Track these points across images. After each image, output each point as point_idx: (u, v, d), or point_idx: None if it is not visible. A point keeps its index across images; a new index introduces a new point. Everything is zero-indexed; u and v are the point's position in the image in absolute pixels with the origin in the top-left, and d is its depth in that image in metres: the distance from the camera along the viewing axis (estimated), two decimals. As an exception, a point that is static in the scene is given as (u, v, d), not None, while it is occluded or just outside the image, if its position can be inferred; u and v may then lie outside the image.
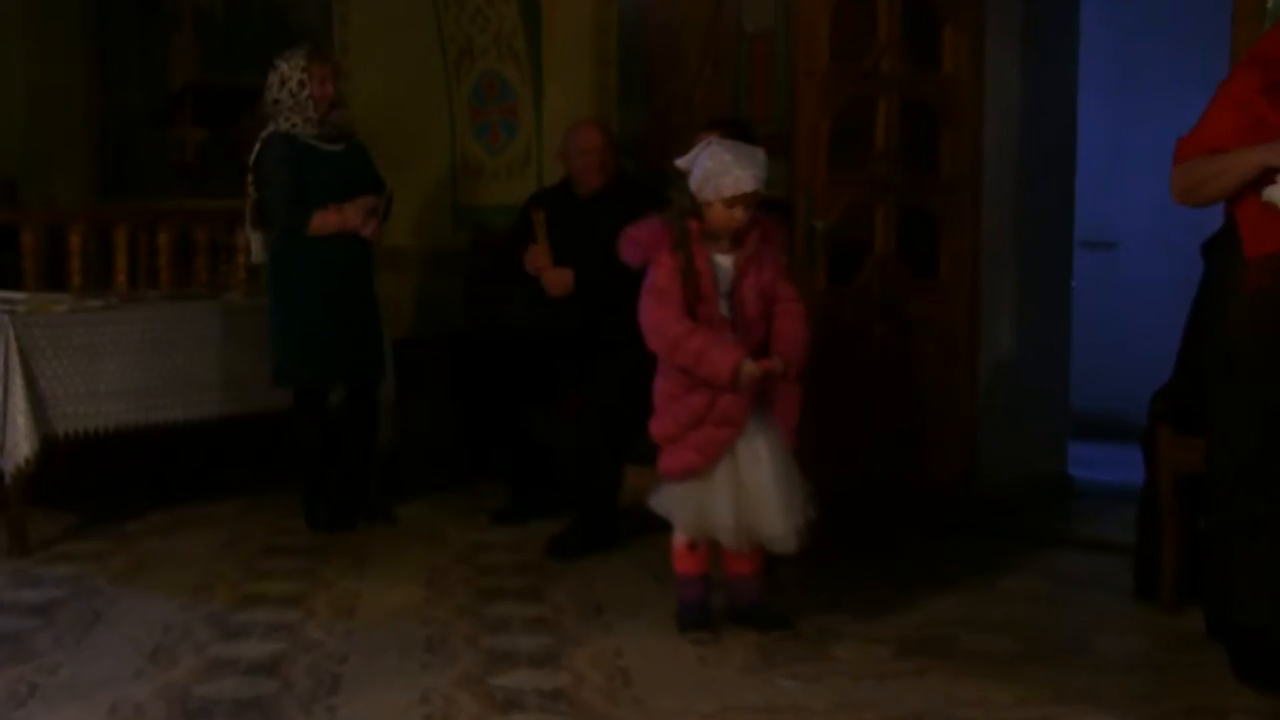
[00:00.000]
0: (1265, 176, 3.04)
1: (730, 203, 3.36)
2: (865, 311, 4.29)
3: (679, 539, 3.52)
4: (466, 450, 5.40)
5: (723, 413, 3.36)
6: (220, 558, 4.32)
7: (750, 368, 3.34)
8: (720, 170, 3.35)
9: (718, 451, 3.37)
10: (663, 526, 3.60)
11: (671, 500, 3.45)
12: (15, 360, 4.28)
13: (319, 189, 4.55)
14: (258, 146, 4.58)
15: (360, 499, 4.75)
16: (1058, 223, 5.26)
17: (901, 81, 4.31)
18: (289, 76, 4.52)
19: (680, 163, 3.44)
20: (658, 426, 3.45)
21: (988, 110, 4.67)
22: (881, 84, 4.27)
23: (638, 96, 5.28)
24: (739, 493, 3.37)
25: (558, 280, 4.59)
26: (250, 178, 4.60)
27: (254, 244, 4.67)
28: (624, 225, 4.58)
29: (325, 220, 4.54)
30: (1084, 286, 5.64)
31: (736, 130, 4.20)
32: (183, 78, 7.07)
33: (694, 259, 3.36)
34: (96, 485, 5.07)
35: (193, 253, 5.45)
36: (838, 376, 4.12)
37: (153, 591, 3.93)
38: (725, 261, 3.42)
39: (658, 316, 3.36)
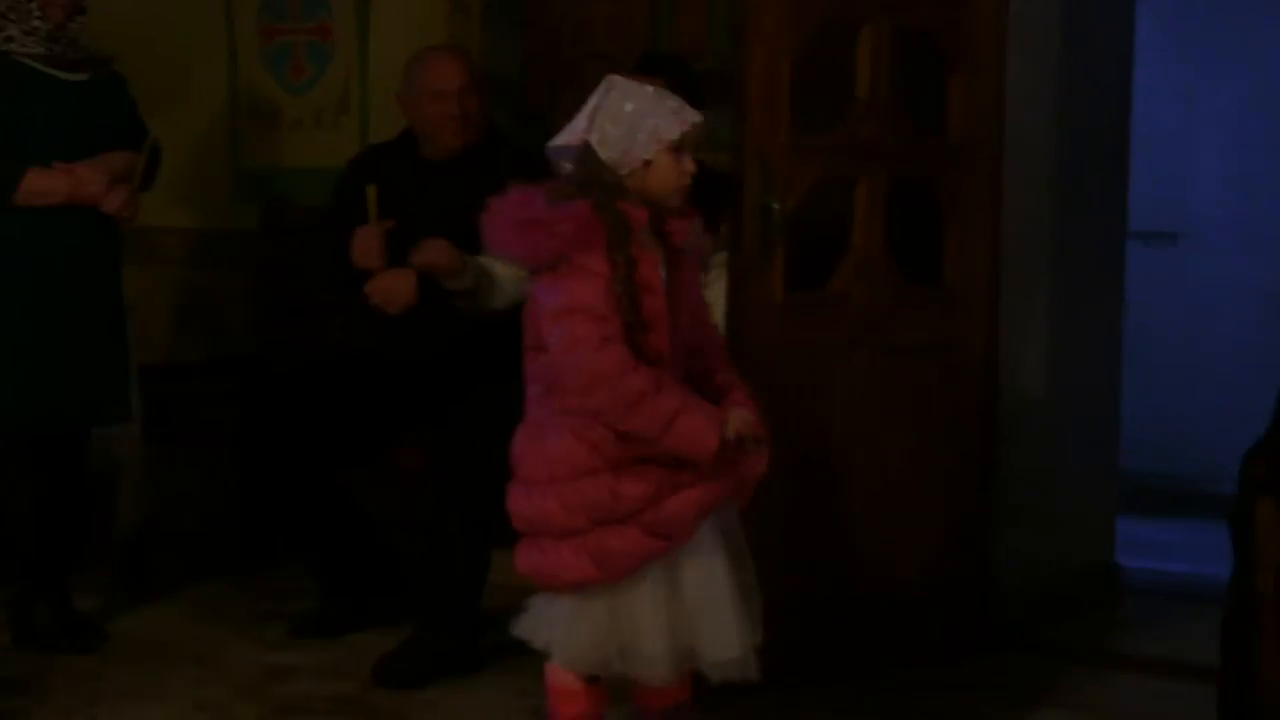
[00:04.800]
0: None
1: (678, 146, 3.36)
2: (840, 332, 4.31)
3: (561, 674, 3.42)
4: (255, 528, 5.34)
5: (668, 519, 3.25)
6: None
7: (739, 422, 3.28)
8: (648, 108, 3.35)
9: (637, 567, 3.27)
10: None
11: (552, 621, 3.35)
12: None
13: (39, 137, 4.50)
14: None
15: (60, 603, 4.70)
16: (1109, 208, 5.36)
17: (896, 1, 4.36)
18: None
19: (563, 139, 3.37)
20: (537, 506, 3.33)
21: (1015, 49, 4.72)
22: (867, 3, 4.31)
23: (511, 16, 5.28)
24: (675, 610, 3.30)
25: (394, 288, 4.56)
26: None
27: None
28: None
29: (46, 183, 4.48)
30: (1134, 296, 5.77)
31: (678, 73, 4.21)
32: None
33: (638, 266, 3.32)
34: None
35: None
36: (800, 428, 4.13)
37: None
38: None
39: (606, 360, 3.23)
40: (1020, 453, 4.93)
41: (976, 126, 4.62)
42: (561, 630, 3.34)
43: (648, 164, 3.34)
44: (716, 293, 4.12)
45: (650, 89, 3.38)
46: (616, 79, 3.44)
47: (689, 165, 3.37)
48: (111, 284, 4.68)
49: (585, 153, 3.33)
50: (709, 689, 3.53)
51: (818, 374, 4.24)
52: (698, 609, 3.30)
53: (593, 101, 3.39)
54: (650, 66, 4.27)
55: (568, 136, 3.37)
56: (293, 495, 4.73)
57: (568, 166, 3.36)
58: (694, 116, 3.35)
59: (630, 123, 3.34)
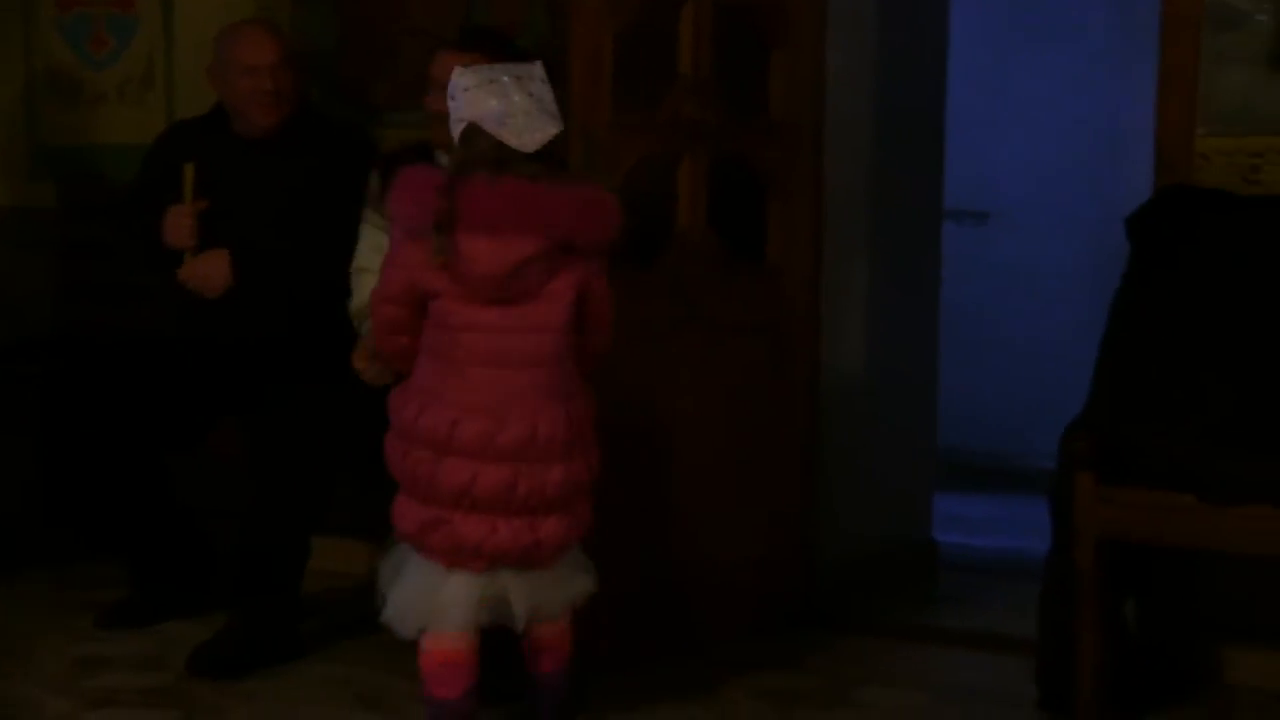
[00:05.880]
0: None
1: None
2: (665, 310, 4.35)
3: (436, 644, 3.56)
4: (60, 514, 5.20)
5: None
6: None
7: None
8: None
9: None
10: (369, 625, 3.64)
11: (429, 589, 3.54)
12: None
13: None
14: None
15: None
16: (925, 188, 5.47)
17: (716, -21, 4.41)
18: None
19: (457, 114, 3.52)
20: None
21: (835, 29, 4.80)
22: (687, -19, 4.36)
23: (324, -11, 5.23)
24: None
25: (209, 272, 4.50)
26: None
27: None
28: (315, 182, 4.54)
29: None
30: (945, 274, 5.89)
31: (500, 48, 4.20)
32: None
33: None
34: None
35: None
36: (626, 407, 4.13)
37: None
38: None
39: None
40: (840, 430, 5.01)
41: (797, 105, 4.69)
42: (448, 598, 3.52)
43: None
44: None
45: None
46: (474, 68, 3.55)
47: None
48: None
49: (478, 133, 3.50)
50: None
51: (643, 352, 4.25)
52: None
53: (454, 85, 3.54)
54: (470, 42, 4.24)
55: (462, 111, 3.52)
56: (102, 483, 4.63)
57: None
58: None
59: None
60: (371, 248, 4.30)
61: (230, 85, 4.66)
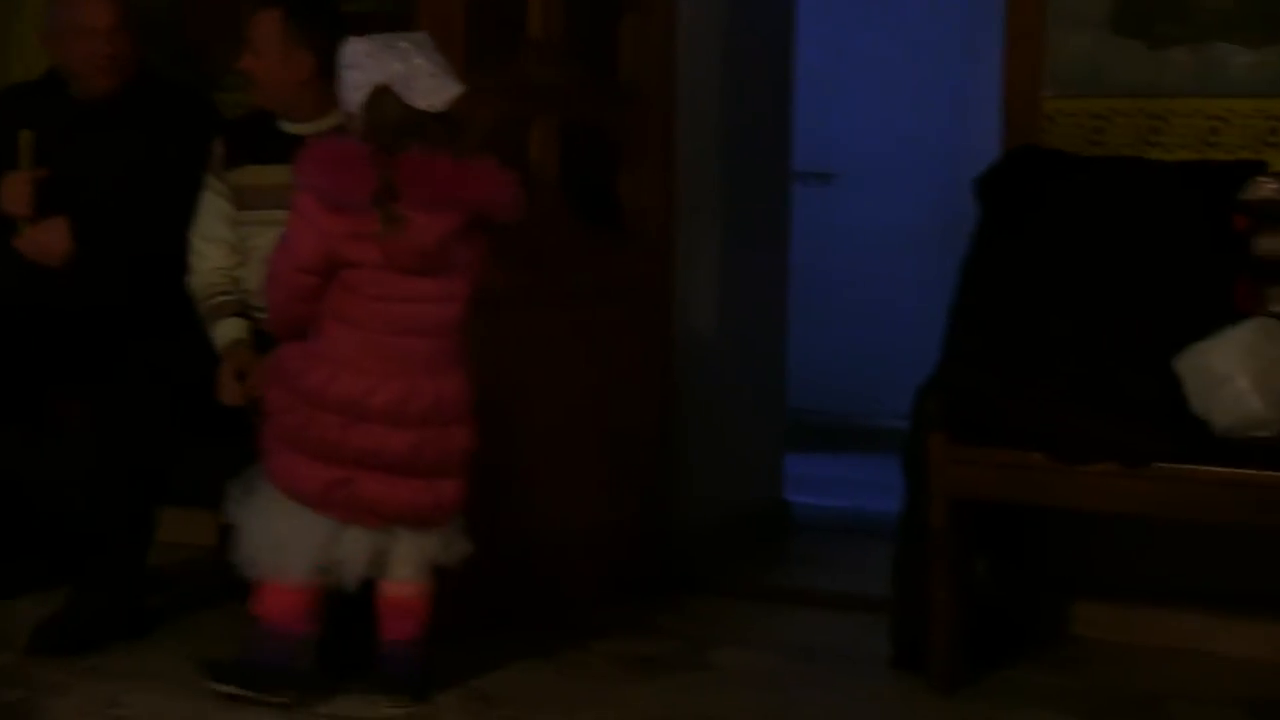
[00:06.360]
0: None
1: None
2: (518, 277, 4.31)
3: (282, 584, 3.68)
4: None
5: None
6: None
7: None
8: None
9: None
10: (215, 598, 3.71)
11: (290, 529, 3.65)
12: None
13: None
14: None
15: None
16: (774, 150, 5.50)
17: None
18: None
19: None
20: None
21: (684, -7, 4.84)
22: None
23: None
24: None
25: (47, 240, 4.42)
26: None
27: None
28: (155, 149, 4.47)
29: None
30: (792, 235, 5.93)
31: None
32: None
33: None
34: None
35: None
36: (480, 376, 4.12)
37: None
38: None
39: None
40: (693, 393, 5.03)
41: (648, 69, 4.69)
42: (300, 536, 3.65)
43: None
44: None
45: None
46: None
47: None
48: None
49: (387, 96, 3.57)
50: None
51: (494, 319, 4.24)
52: None
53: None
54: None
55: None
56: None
57: None
58: None
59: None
60: (213, 215, 4.26)
61: (66, 49, 4.56)
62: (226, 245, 4.24)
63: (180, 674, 3.99)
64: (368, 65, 3.55)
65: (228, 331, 4.17)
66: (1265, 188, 4.09)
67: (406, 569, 3.72)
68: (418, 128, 3.54)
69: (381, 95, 3.54)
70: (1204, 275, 4.03)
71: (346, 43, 3.62)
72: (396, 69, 3.54)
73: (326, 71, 3.84)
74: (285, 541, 3.66)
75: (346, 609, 3.81)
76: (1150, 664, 4.15)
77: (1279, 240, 4.09)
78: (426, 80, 3.54)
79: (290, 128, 4.19)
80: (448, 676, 3.89)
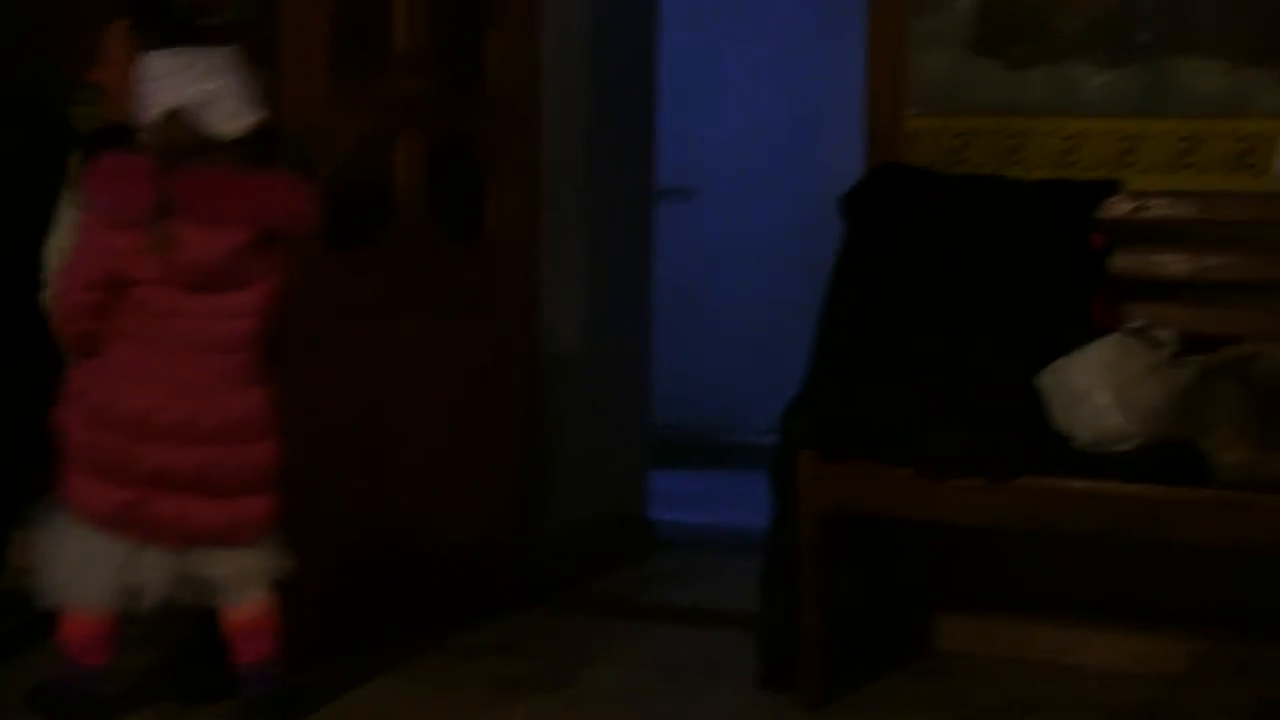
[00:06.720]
0: None
1: None
2: (383, 290, 4.32)
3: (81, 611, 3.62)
4: None
5: None
6: None
7: None
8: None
9: None
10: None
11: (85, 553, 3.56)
12: None
13: None
14: None
15: None
16: (638, 165, 5.51)
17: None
18: None
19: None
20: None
21: (549, 8, 4.83)
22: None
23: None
24: None
25: None
26: None
27: None
28: (11, 162, 4.38)
29: None
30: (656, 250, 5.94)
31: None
32: None
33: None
34: None
35: None
36: (346, 389, 4.14)
37: None
38: None
39: None
40: (558, 408, 5.03)
41: (513, 82, 4.69)
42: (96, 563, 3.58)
43: None
44: None
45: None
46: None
47: None
48: None
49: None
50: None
51: (359, 332, 4.22)
52: None
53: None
54: (133, 12, 4.14)
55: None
56: None
57: None
58: None
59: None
60: (71, 231, 4.18)
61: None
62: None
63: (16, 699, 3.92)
64: (164, 85, 3.51)
65: None
66: (1121, 206, 4.18)
67: (238, 591, 3.66)
68: (207, 152, 3.50)
69: (172, 119, 3.50)
70: (1063, 292, 4.11)
71: (147, 57, 3.58)
72: (192, 93, 3.49)
73: None
74: (81, 567, 3.59)
75: (208, 634, 3.77)
76: (1014, 675, 4.19)
77: (1134, 258, 4.18)
78: (224, 105, 3.51)
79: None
80: (313, 699, 3.86)
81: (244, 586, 3.66)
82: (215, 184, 3.48)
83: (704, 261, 7.12)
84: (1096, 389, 3.75)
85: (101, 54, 4.08)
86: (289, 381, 3.94)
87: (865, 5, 4.52)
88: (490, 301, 4.65)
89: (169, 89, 3.50)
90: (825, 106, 6.88)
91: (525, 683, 4.14)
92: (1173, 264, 4.14)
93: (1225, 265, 4.12)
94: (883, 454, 3.81)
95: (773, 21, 7.19)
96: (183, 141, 3.49)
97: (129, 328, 3.55)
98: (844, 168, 4.60)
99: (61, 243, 4.19)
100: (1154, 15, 4.22)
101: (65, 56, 4.95)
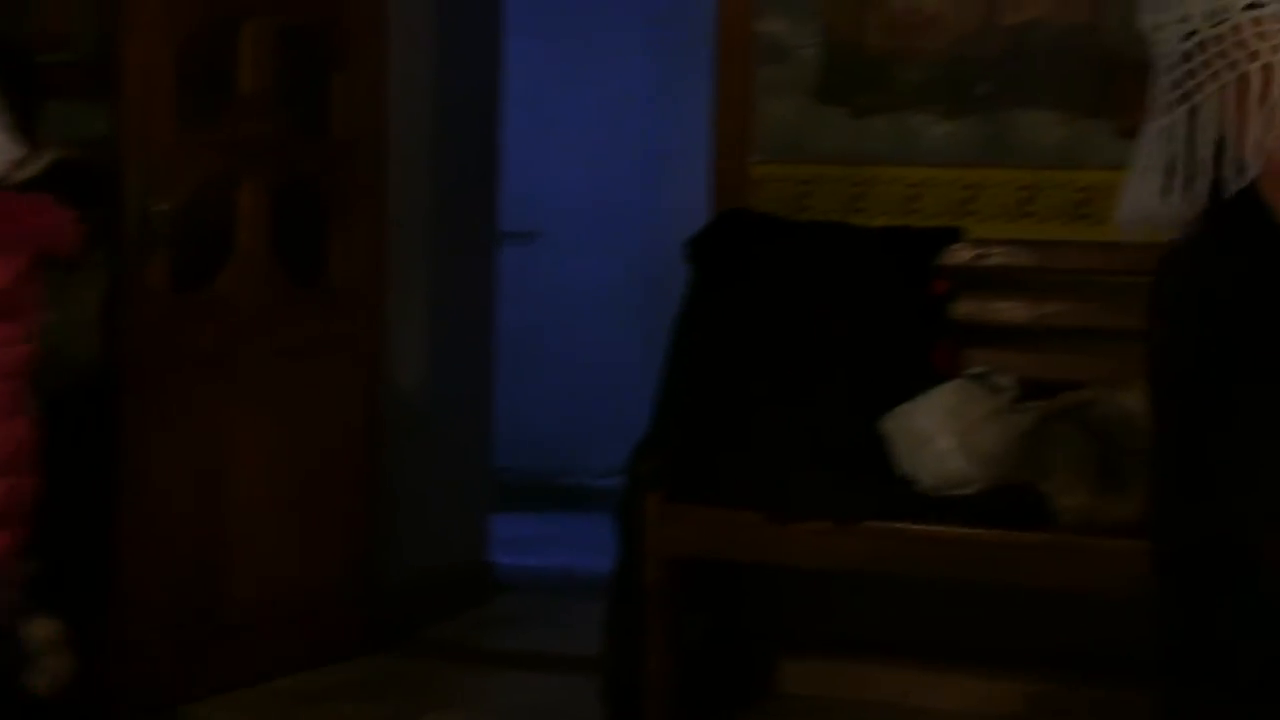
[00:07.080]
0: None
1: None
2: (225, 334, 4.30)
3: None
4: None
5: None
6: None
7: None
8: None
9: None
10: None
11: None
12: None
13: None
14: None
15: None
16: (481, 209, 5.52)
17: (276, -2, 4.38)
18: None
19: None
20: None
21: (394, 52, 4.82)
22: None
23: None
24: None
25: None
26: None
27: None
28: None
29: None
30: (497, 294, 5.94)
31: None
32: None
33: None
34: None
35: None
36: (185, 433, 4.11)
37: None
38: None
39: None
40: (400, 453, 5.00)
41: (358, 125, 4.68)
42: None
43: None
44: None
45: None
46: None
47: None
48: None
49: None
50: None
51: (197, 377, 4.18)
52: None
53: None
54: None
55: None
56: None
57: None
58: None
59: None
60: None
61: None
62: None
63: None
64: None
65: None
66: (962, 254, 4.26)
67: None
68: None
69: None
70: (905, 338, 4.18)
71: None
72: None
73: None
74: None
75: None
76: (857, 717, 4.24)
77: (976, 304, 4.26)
78: None
79: None
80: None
81: None
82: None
83: (546, 305, 7.12)
84: (939, 434, 3.82)
85: None
86: (125, 426, 3.90)
87: (711, 53, 4.57)
88: (332, 346, 4.63)
89: None
90: (670, 152, 6.93)
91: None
92: (1012, 311, 4.23)
93: (1063, 312, 4.22)
94: (730, 497, 3.84)
95: (617, 68, 7.24)
96: None
97: None
98: (688, 214, 4.64)
99: None
100: (993, 67, 4.31)
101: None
